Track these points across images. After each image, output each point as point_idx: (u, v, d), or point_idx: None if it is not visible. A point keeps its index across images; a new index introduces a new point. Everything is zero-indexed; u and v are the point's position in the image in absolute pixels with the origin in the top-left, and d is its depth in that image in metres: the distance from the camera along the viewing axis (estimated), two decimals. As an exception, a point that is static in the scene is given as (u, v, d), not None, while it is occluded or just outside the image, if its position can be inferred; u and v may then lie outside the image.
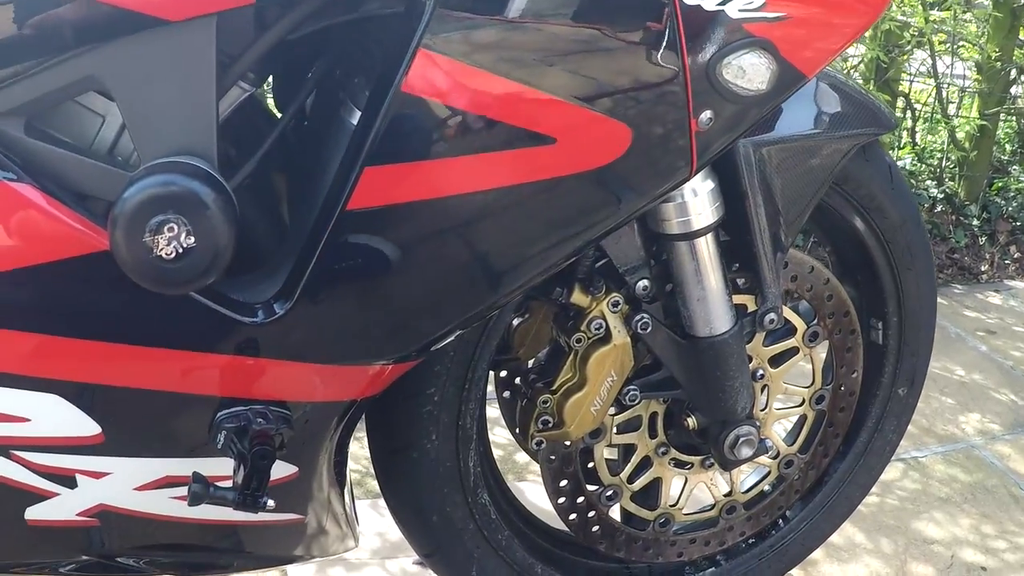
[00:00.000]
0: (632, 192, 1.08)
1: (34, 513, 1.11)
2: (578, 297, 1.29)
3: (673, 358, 1.36)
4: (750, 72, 1.04)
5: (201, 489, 1.04)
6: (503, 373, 1.49)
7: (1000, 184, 4.15)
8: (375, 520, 1.98)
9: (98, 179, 0.96)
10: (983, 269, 3.75)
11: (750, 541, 1.71)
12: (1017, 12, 3.88)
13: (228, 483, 1.07)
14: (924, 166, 4.10)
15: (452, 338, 1.18)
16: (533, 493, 1.67)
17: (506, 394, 1.50)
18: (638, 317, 1.31)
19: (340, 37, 1.06)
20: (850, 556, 2.02)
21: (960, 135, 4.09)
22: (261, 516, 1.19)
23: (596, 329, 1.31)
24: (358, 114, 1.01)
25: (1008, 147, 4.49)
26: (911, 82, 4.09)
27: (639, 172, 1.06)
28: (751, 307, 1.38)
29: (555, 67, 0.98)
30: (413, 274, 1.06)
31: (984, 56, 3.85)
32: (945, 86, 4.04)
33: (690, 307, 1.31)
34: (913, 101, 4.09)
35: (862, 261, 1.56)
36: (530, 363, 1.45)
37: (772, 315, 1.38)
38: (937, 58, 3.92)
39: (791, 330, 1.48)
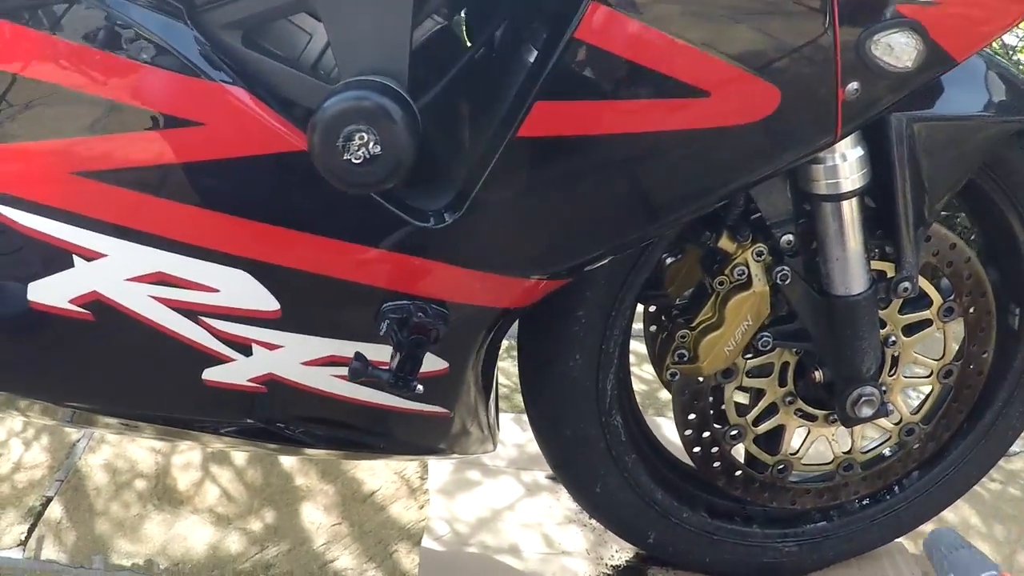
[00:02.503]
0: (777, 150, 1.17)
1: (211, 375, 1.25)
2: (725, 243, 1.38)
3: (808, 312, 1.43)
4: (898, 50, 1.10)
5: (360, 366, 1.17)
6: (652, 308, 1.58)
7: None
8: (516, 433, 2.11)
9: (301, 88, 1.10)
10: None
11: (864, 502, 1.77)
12: None
13: (385, 368, 1.19)
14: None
15: (602, 263, 1.29)
16: (669, 429, 1.76)
17: (652, 328, 1.59)
18: (779, 268, 1.39)
19: None
20: (962, 532, 2.07)
21: None
22: (410, 404, 1.32)
23: (738, 275, 1.39)
24: (532, 51, 1.11)
25: None
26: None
27: (785, 132, 1.14)
28: (889, 274, 1.44)
29: (715, 28, 1.07)
30: (571, 200, 1.17)
31: None
32: None
33: (829, 265, 1.38)
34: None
35: (1007, 246, 1.60)
36: (677, 301, 1.53)
37: (907, 284, 1.43)
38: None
39: (927, 302, 1.54)
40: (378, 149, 1.05)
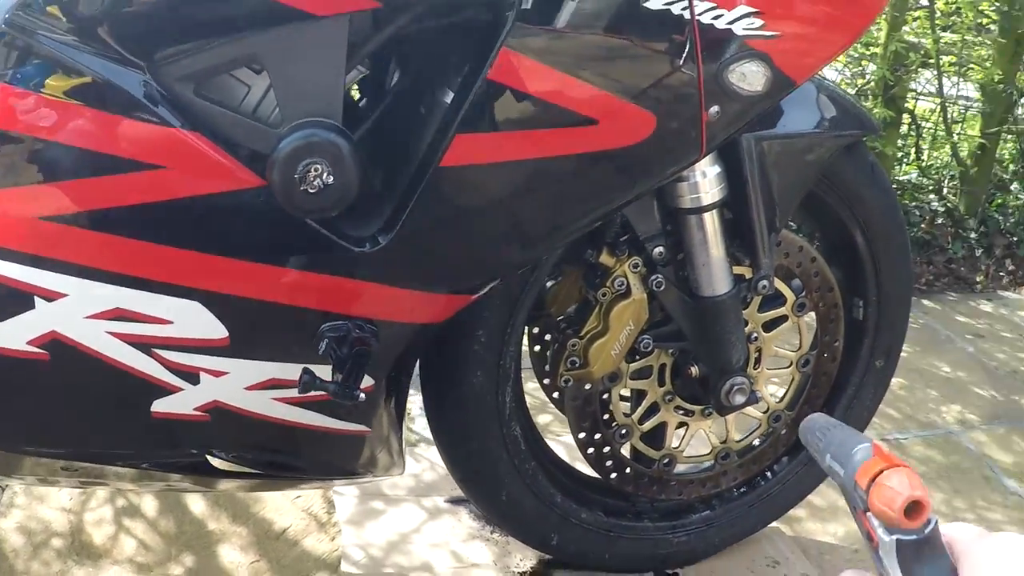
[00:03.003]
0: (654, 166, 1.34)
1: (160, 405, 1.33)
2: (605, 258, 1.55)
3: (681, 313, 1.60)
4: (749, 77, 1.29)
5: (310, 379, 1.28)
6: (536, 329, 1.75)
7: (999, 200, 4.37)
8: (411, 464, 2.22)
9: (249, 132, 1.22)
10: (978, 280, 3.97)
11: (741, 489, 1.95)
12: (1020, 39, 4.10)
13: (331, 381, 1.30)
14: (927, 180, 4.33)
15: (508, 277, 1.45)
16: (554, 447, 1.92)
17: (537, 347, 1.76)
18: (654, 277, 1.56)
19: (438, 35, 1.30)
20: (830, 516, 2.25)
21: (962, 152, 4.31)
22: (335, 424, 1.43)
23: (619, 286, 1.56)
24: (450, 93, 1.26)
25: (1011, 166, 4.70)
26: (916, 100, 4.32)
27: (660, 151, 1.32)
28: (748, 276, 1.62)
29: (602, 66, 1.24)
30: (486, 219, 1.32)
31: (988, 78, 4.08)
32: (950, 105, 4.27)
33: (697, 271, 1.55)
34: (919, 119, 4.32)
35: (845, 245, 1.80)
36: (559, 318, 1.69)
37: (764, 281, 1.62)
38: (944, 77, 4.15)
39: (782, 300, 1.72)
40: (331, 179, 1.19)
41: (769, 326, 1.74)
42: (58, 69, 1.15)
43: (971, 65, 4.35)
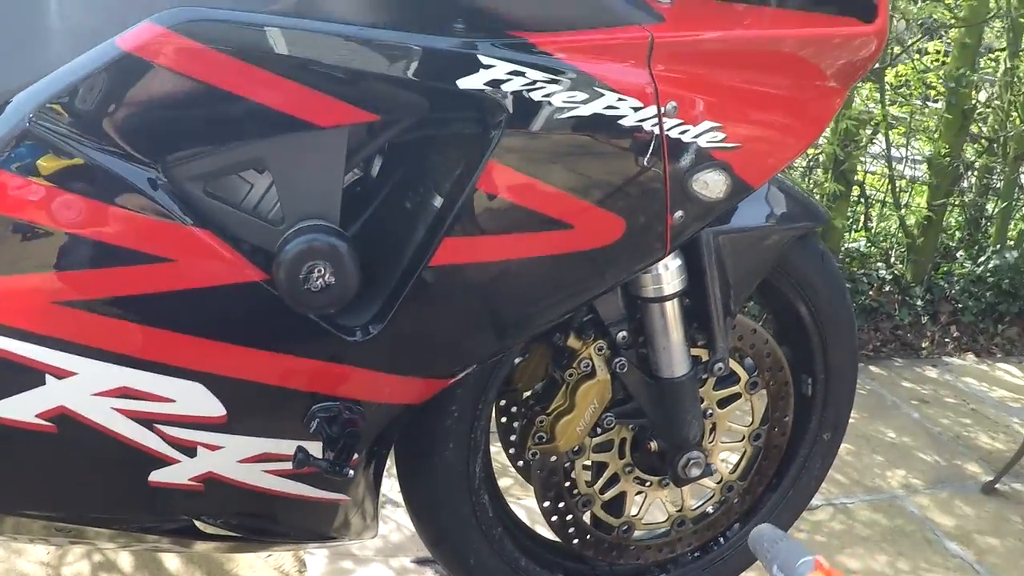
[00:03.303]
0: (623, 264, 1.46)
1: (157, 476, 1.41)
2: (572, 341, 1.66)
3: (642, 393, 1.71)
4: (712, 185, 1.41)
5: (304, 457, 1.38)
6: (502, 402, 1.86)
7: (945, 269, 4.48)
8: (380, 525, 2.30)
9: (254, 230, 1.32)
10: (924, 345, 4.06)
11: (696, 554, 2.04)
12: (967, 113, 4.26)
13: (322, 459, 1.41)
14: (875, 249, 4.46)
15: (484, 362, 1.56)
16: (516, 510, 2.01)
17: (503, 419, 1.87)
18: (617, 359, 1.67)
19: (429, 144, 1.41)
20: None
21: (909, 222, 4.43)
22: (319, 493, 1.52)
23: (584, 367, 1.66)
24: (438, 198, 1.37)
25: (956, 234, 4.85)
26: (867, 171, 4.45)
27: (628, 251, 1.44)
28: (704, 358, 1.73)
29: (578, 177, 1.35)
30: (468, 313, 1.43)
31: (935, 152, 4.22)
32: (898, 178, 4.41)
33: (657, 354, 1.66)
34: (867, 187, 4.46)
35: (796, 327, 1.91)
36: (526, 394, 1.80)
37: (720, 364, 1.73)
38: (892, 147, 4.28)
39: (736, 379, 1.83)
40: (332, 279, 1.30)
41: (723, 403, 1.84)
42: (78, 166, 1.22)
43: (917, 135, 4.50)
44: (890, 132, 4.28)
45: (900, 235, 4.46)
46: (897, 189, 4.44)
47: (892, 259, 4.43)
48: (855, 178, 4.30)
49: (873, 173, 4.57)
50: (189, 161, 1.27)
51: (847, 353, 1.96)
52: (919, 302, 4.24)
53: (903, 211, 4.45)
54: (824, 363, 1.95)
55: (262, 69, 1.22)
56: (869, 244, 4.46)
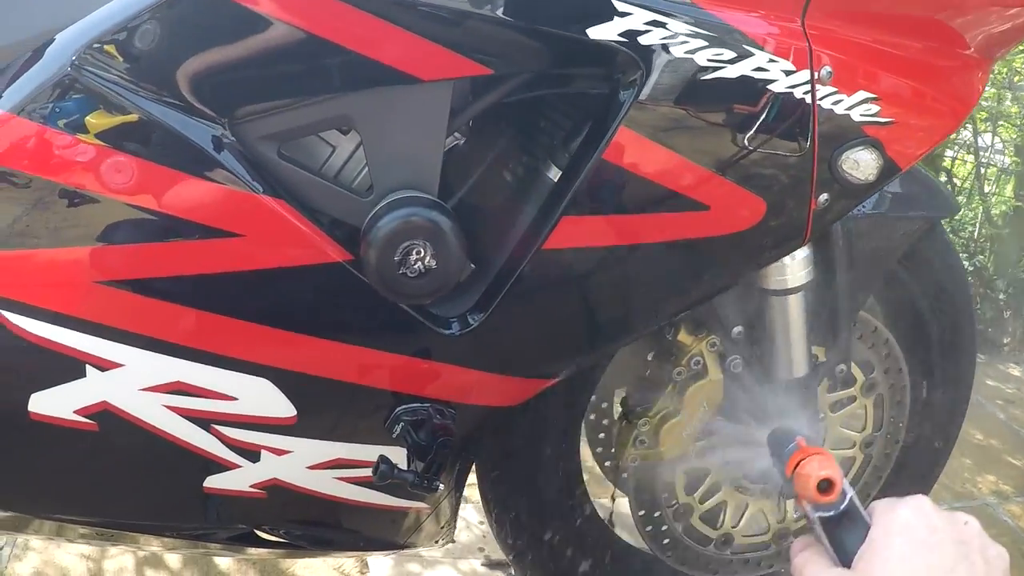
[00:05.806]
0: (758, 252, 1.28)
1: (213, 481, 1.27)
2: (683, 336, 1.50)
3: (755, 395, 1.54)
4: (862, 165, 1.23)
5: (387, 470, 1.21)
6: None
7: (1031, 262, 4.34)
8: (452, 528, 2.18)
9: (337, 201, 1.15)
10: (1005, 342, 3.93)
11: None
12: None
13: (408, 470, 1.24)
14: (957, 238, 4.29)
15: (596, 363, 1.41)
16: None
17: (591, 416, 1.70)
18: (731, 358, 1.51)
19: (545, 106, 1.25)
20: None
21: (995, 212, 4.28)
22: (397, 502, 1.38)
23: (695, 365, 1.51)
24: (555, 170, 1.21)
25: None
26: (953, 158, 4.29)
27: (766, 237, 1.25)
28: (821, 357, 1.57)
29: (719, 151, 1.18)
30: (583, 305, 1.26)
31: (1021, 137, 4.05)
32: (984, 165, 4.24)
33: (776, 353, 1.49)
34: (953, 175, 4.29)
35: (914, 327, 1.75)
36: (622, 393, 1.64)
37: (842, 366, 1.57)
38: (978, 135, 4.12)
39: (852, 381, 1.67)
40: (433, 263, 1.12)
41: (836, 406, 1.69)
42: (126, 120, 1.06)
43: (1002, 122, 4.32)
44: (976, 116, 4.10)
45: (984, 224, 4.28)
46: (983, 175, 4.26)
47: (974, 250, 4.25)
48: (941, 165, 4.12)
49: (960, 153, 4.39)
50: (262, 117, 1.10)
51: (967, 357, 1.84)
52: (1002, 296, 4.09)
53: (990, 199, 4.26)
54: (942, 367, 1.81)
55: (357, 9, 1.05)
56: (951, 233, 4.28)
